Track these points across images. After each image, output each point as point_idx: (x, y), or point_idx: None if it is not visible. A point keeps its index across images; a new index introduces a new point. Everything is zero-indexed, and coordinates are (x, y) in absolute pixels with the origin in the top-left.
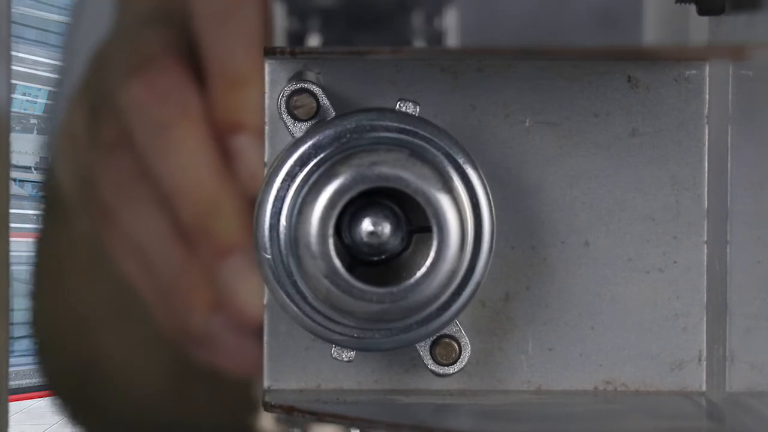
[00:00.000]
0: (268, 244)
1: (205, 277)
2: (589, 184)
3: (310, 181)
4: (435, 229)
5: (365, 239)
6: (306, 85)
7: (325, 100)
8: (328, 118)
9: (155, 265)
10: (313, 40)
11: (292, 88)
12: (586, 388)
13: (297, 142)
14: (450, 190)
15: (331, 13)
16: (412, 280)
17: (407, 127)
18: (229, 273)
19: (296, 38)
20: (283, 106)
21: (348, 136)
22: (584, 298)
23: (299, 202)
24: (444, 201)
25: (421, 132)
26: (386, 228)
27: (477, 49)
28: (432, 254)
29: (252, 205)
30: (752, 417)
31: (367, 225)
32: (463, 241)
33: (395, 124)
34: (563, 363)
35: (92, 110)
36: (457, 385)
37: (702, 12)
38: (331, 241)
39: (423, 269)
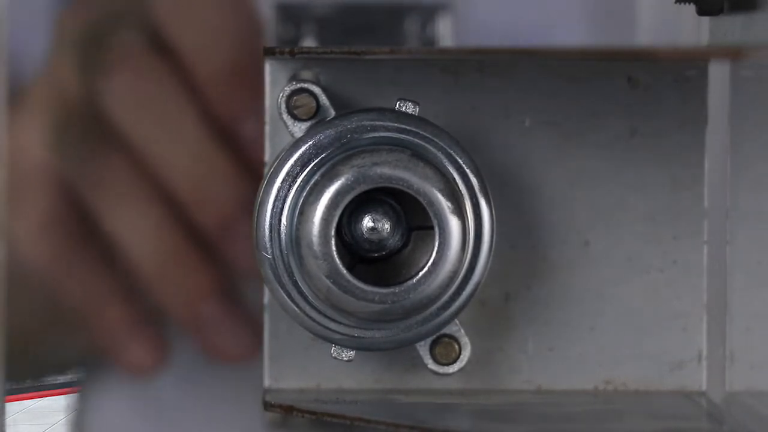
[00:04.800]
0: (268, 244)
1: (200, 261)
2: (589, 184)
3: (312, 182)
4: (437, 229)
5: (366, 236)
6: (306, 85)
7: (324, 100)
8: (328, 118)
9: (149, 252)
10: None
11: (292, 87)
12: (586, 388)
13: (297, 142)
14: (451, 190)
15: (325, 20)
16: (414, 280)
17: (408, 127)
18: (230, 244)
19: (291, 45)
20: (283, 106)
21: (349, 136)
22: (584, 297)
23: (300, 202)
24: (445, 201)
25: (422, 132)
26: (386, 225)
27: (477, 49)
28: (433, 254)
29: (251, 174)
30: (752, 417)
31: (367, 222)
32: (464, 242)
33: (395, 124)
34: (563, 363)
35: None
36: (457, 385)
37: (701, 12)
38: (333, 242)
39: (424, 269)
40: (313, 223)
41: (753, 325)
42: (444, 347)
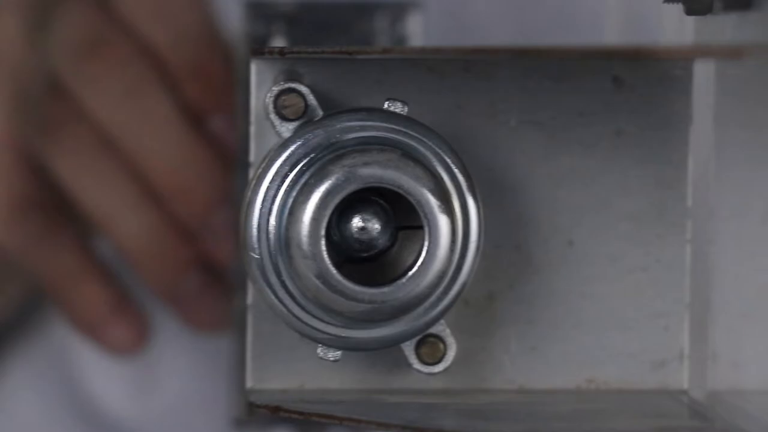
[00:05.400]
0: (256, 245)
1: (180, 236)
2: (574, 183)
3: (301, 182)
4: (426, 228)
5: (356, 236)
6: (294, 85)
7: (312, 100)
8: (316, 118)
9: (129, 230)
10: (278, 44)
11: (280, 87)
12: (569, 386)
13: (286, 142)
14: (441, 190)
15: (294, 18)
16: (404, 279)
17: (397, 127)
18: (209, 232)
19: (260, 43)
20: (271, 106)
21: (338, 135)
22: (567, 297)
23: (290, 202)
24: (435, 201)
25: (411, 132)
26: (376, 224)
27: (465, 48)
28: (423, 254)
29: (225, 163)
30: (733, 414)
31: (357, 222)
32: (453, 241)
33: (384, 124)
34: (546, 362)
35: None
36: (440, 384)
37: (689, 12)
38: (323, 242)
39: (414, 269)
40: (302, 223)
41: (735, 324)
42: (429, 347)
